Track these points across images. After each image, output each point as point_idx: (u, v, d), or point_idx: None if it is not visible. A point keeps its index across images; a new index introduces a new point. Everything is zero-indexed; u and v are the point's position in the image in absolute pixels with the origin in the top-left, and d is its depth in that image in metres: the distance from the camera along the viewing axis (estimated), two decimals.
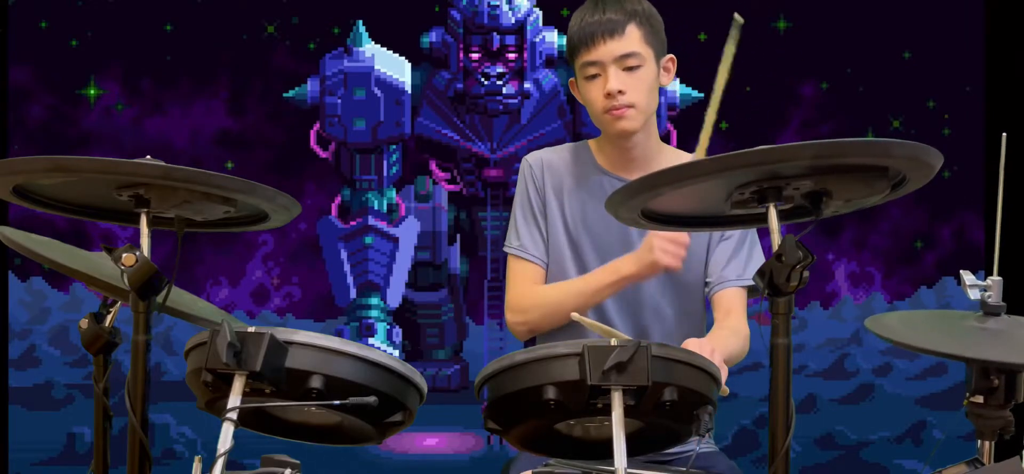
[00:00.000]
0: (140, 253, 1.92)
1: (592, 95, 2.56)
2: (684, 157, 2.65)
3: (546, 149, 2.74)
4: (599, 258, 2.60)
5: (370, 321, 4.81)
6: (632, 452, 1.91)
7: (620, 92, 2.52)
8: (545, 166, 2.67)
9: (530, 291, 2.63)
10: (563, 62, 2.59)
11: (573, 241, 2.63)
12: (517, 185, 2.70)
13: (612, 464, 1.84)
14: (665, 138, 2.78)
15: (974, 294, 2.07)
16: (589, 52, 2.54)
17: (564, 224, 2.64)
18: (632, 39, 2.53)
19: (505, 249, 2.69)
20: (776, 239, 1.84)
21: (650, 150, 2.63)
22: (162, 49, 4.78)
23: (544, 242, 2.66)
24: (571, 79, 2.65)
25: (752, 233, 2.62)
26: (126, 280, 1.93)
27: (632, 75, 2.53)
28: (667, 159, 2.64)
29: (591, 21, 2.54)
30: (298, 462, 2.02)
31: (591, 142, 2.70)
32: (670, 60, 2.62)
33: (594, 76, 2.54)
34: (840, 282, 4.90)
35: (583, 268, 2.61)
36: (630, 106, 2.53)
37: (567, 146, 2.73)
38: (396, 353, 4.72)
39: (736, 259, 2.62)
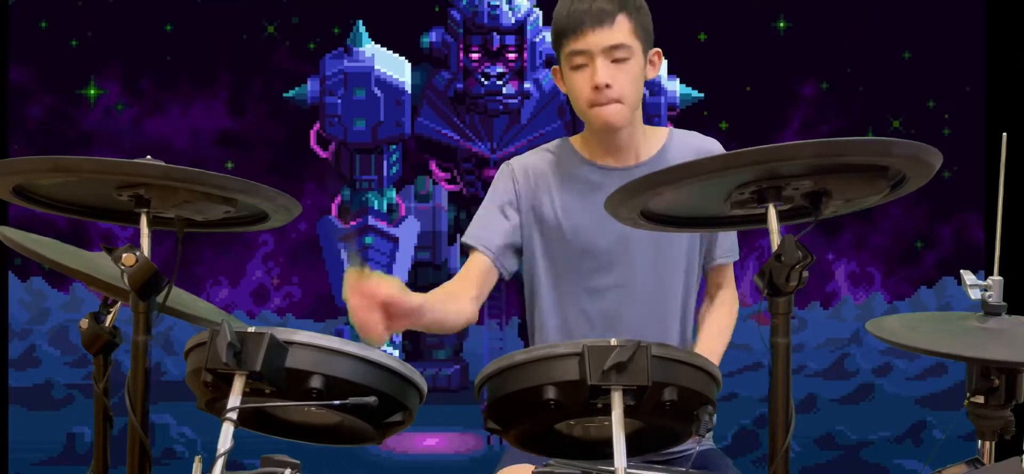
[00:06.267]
0: (140, 253, 1.92)
1: (577, 86, 2.47)
2: (661, 134, 2.61)
3: (527, 154, 2.65)
4: (594, 250, 2.56)
5: None
6: (632, 452, 1.91)
7: (607, 86, 2.44)
8: (529, 169, 2.61)
9: (451, 283, 2.57)
10: None
11: (568, 238, 2.57)
12: (494, 182, 2.63)
13: (612, 464, 1.84)
14: None
15: (975, 294, 2.07)
16: (576, 40, 2.44)
17: (557, 223, 2.59)
18: (622, 30, 2.45)
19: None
20: (776, 239, 1.84)
21: (636, 136, 2.56)
22: (162, 49, 4.78)
23: (503, 231, 2.58)
24: (555, 67, 2.57)
25: None
26: (126, 280, 1.93)
27: (620, 68, 2.45)
28: (651, 143, 2.59)
29: (580, 8, 2.44)
30: (298, 462, 2.02)
31: (573, 138, 2.64)
32: (656, 54, 2.53)
33: (581, 66, 2.46)
34: (840, 282, 4.90)
35: (579, 263, 2.57)
36: (617, 100, 2.46)
37: (546, 146, 2.65)
38: (396, 353, 4.72)
39: (730, 235, 2.66)
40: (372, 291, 2.15)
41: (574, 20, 2.45)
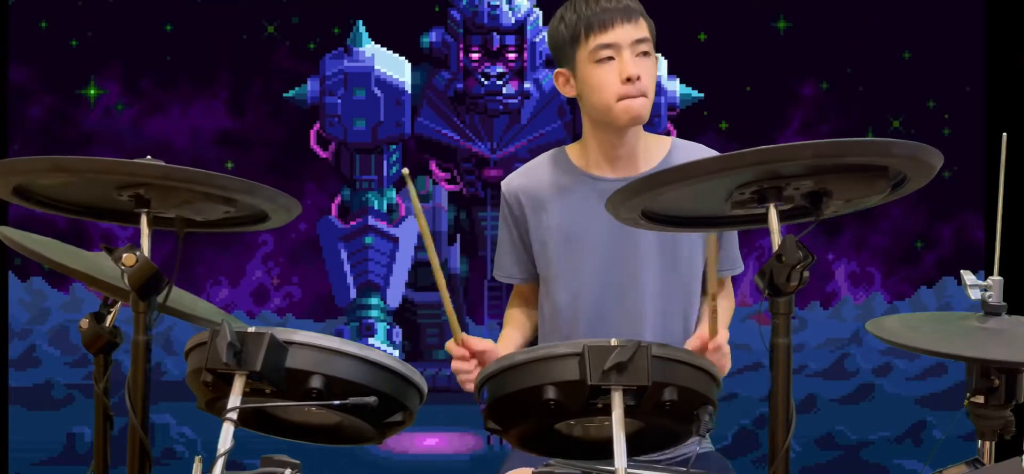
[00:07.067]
0: (140, 253, 1.92)
1: (604, 80, 2.45)
2: (664, 144, 2.61)
3: (520, 170, 2.66)
4: (595, 261, 2.55)
5: (370, 321, 4.81)
6: (632, 452, 1.91)
7: (638, 78, 2.44)
8: (520, 192, 2.61)
9: (511, 312, 2.75)
10: None
11: (567, 251, 2.56)
12: (500, 206, 2.67)
13: (612, 464, 1.84)
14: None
15: (975, 294, 2.07)
16: (604, 34, 2.44)
17: (553, 237, 2.57)
18: (644, 27, 2.48)
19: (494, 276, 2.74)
20: (776, 239, 1.84)
21: (638, 147, 2.55)
22: (162, 49, 4.78)
23: (522, 262, 2.64)
24: (560, 71, 2.54)
25: None
26: (126, 280, 1.93)
27: (645, 61, 2.47)
28: (652, 154, 2.58)
29: (606, 5, 2.46)
30: (298, 462, 2.02)
31: (569, 148, 2.62)
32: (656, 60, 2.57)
33: (607, 59, 2.45)
34: (840, 282, 4.90)
35: (580, 275, 2.56)
36: (643, 95, 2.46)
37: (543, 158, 2.64)
38: (396, 353, 4.72)
39: (735, 245, 2.65)
40: (469, 345, 2.41)
41: (601, 15, 2.46)
